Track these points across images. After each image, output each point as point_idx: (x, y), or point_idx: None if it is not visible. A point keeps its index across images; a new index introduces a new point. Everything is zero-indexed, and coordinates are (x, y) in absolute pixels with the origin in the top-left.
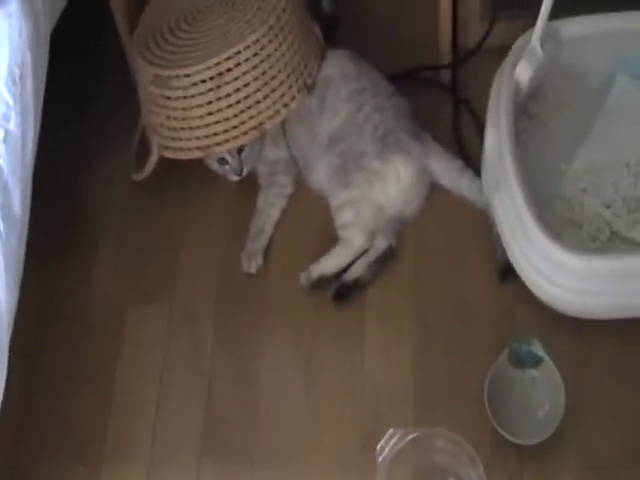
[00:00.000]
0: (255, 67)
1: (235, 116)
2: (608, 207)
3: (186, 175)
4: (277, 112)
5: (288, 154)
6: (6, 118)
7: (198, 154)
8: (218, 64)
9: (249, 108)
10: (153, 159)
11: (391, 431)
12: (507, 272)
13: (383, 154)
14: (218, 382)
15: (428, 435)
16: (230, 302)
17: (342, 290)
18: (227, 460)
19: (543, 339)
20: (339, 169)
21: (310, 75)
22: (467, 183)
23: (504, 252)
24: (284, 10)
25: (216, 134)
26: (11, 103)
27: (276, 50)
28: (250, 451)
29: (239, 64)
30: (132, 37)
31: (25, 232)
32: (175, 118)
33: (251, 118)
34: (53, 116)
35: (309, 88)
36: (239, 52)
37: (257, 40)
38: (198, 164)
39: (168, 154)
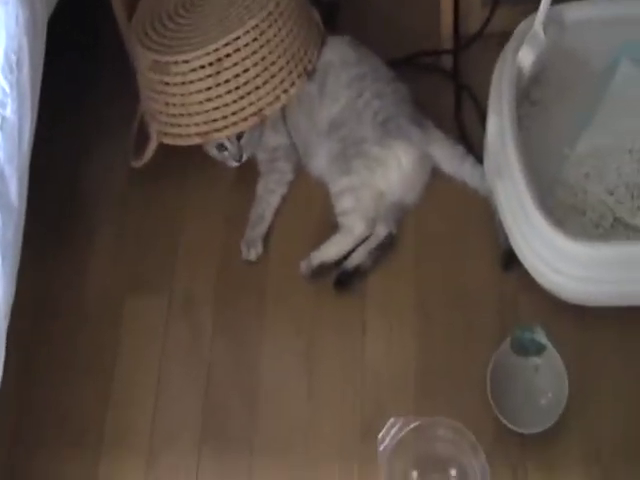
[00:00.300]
0: (254, 53)
1: (234, 102)
2: (611, 193)
3: (185, 162)
4: (277, 98)
5: (288, 140)
6: (2, 105)
7: (197, 140)
8: (217, 50)
9: (248, 94)
10: (152, 146)
11: (392, 420)
12: (509, 259)
13: (383, 140)
14: (217, 370)
15: (429, 424)
16: (229, 290)
17: (343, 277)
18: (226, 448)
19: (546, 327)
20: (339, 155)
21: (310, 61)
22: (469, 169)
23: (506, 239)
24: None
25: (215, 120)
26: (7, 90)
27: (275, 36)
28: (249, 439)
29: (238, 50)
30: (130, 24)
31: (22, 222)
32: (174, 104)
33: (250, 104)
34: (51, 107)
35: (309, 74)
36: (238, 38)
37: (256, 25)
38: (197, 151)
39: (167, 141)
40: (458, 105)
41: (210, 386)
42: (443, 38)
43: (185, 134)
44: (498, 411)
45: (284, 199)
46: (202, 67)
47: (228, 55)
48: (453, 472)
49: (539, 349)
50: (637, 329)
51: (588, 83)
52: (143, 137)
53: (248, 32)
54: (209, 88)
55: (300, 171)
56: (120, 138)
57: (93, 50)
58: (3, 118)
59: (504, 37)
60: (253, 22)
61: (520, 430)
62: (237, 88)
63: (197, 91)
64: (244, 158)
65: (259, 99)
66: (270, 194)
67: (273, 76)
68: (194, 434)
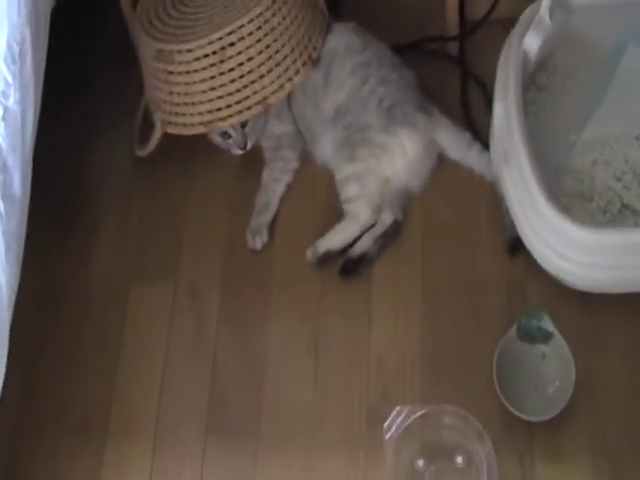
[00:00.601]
0: (259, 41)
1: (238, 91)
2: (619, 180)
3: (189, 151)
4: (281, 86)
5: (293, 128)
6: (5, 95)
7: (201, 129)
8: (221, 39)
9: (253, 83)
10: (156, 135)
11: (398, 408)
12: (516, 246)
13: (389, 127)
14: (223, 359)
15: (436, 412)
16: (235, 278)
17: (348, 265)
18: (232, 436)
19: (552, 313)
20: (344, 143)
21: (315, 49)
22: (475, 156)
23: (513, 226)
24: None
25: (219, 109)
26: (10, 80)
27: (280, 24)
28: (255, 427)
29: (242, 38)
30: (135, 12)
31: (26, 213)
32: (178, 93)
33: (255, 93)
34: (55, 98)
35: (314, 62)
36: (242, 26)
37: (260, 13)
38: (202, 139)
39: (171, 130)
40: (464, 91)
41: (216, 375)
42: (449, 24)
43: (189, 123)
44: (505, 399)
45: (289, 187)
46: (206, 56)
47: (232, 44)
48: (459, 460)
49: (546, 337)
50: None
51: (595, 68)
52: (148, 126)
53: (252, 20)
54: (213, 77)
55: (305, 159)
56: (124, 129)
57: (97, 41)
58: (6, 109)
59: (510, 23)
60: (257, 10)
61: (527, 418)
62: (241, 77)
63: (201, 80)
64: (249, 146)
65: (263, 88)
66: (275, 182)
67: (277, 64)
68: (200, 423)
